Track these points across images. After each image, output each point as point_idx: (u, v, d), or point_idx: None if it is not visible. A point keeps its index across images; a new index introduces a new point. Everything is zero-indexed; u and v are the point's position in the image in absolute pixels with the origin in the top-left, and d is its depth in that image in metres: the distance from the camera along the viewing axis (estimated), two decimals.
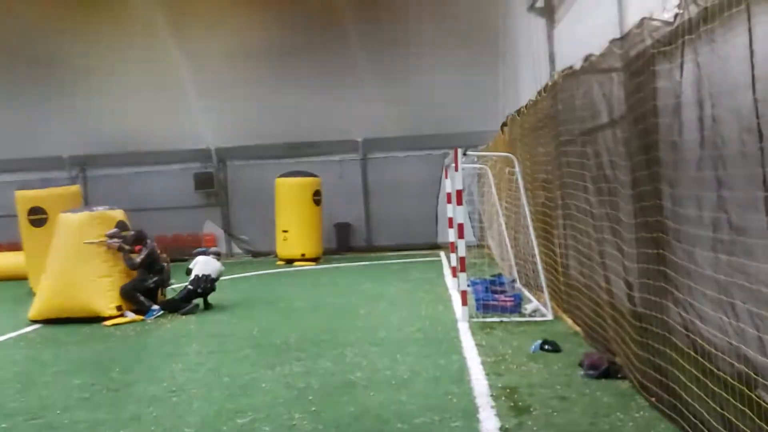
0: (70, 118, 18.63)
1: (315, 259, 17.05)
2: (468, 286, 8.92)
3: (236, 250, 19.80)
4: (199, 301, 10.70)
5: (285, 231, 16.95)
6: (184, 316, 10.21)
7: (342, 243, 19.20)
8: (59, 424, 5.58)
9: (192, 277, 10.67)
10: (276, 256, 17.43)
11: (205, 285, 10.65)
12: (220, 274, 10.99)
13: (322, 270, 15.75)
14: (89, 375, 7.15)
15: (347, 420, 5.25)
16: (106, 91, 18.47)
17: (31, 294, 12.30)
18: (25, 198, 13.63)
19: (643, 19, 4.70)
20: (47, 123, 18.74)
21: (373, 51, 18.22)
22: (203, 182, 19.54)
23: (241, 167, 19.72)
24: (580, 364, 6.13)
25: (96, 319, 9.94)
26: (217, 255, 11.38)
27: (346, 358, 7.17)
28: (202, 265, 10.79)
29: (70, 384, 6.82)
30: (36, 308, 10.35)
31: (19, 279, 14.41)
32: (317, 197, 17.26)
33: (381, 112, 18.43)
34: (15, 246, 15.71)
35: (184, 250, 18.92)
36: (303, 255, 16.85)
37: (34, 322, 10.24)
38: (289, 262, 16.88)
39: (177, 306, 10.44)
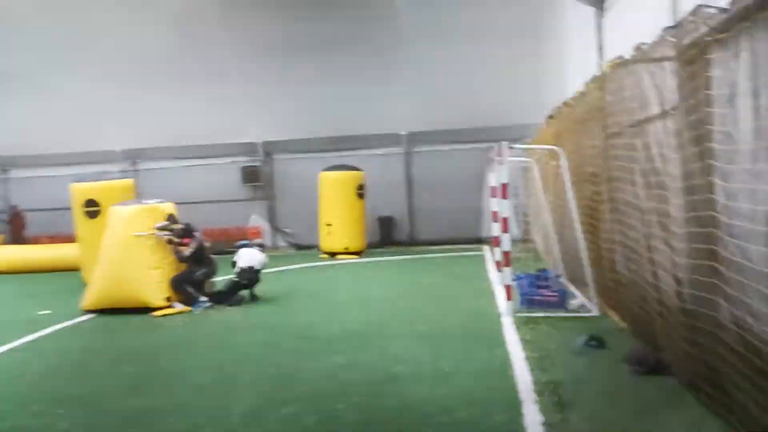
0: (122, 112, 19.09)
1: (358, 253, 17.12)
2: (512, 280, 8.84)
3: (281, 243, 20.03)
4: (246, 292, 10.87)
5: (329, 224, 17.07)
6: (230, 308, 10.39)
7: (385, 237, 19.22)
8: (112, 410, 5.75)
9: (237, 269, 10.86)
10: (319, 249, 17.56)
11: (250, 276, 10.82)
12: (264, 266, 11.15)
13: (365, 263, 15.82)
14: (140, 364, 7.34)
15: (390, 413, 5.28)
16: (156, 85, 18.86)
17: (84, 284, 12.68)
18: (80, 190, 14.02)
19: (697, 7, 4.57)
20: (101, 117, 19.23)
21: (417, 43, 18.15)
22: (250, 176, 19.82)
23: (287, 161, 19.92)
24: (627, 360, 6.02)
25: (146, 310, 10.19)
26: (261, 247, 11.54)
27: (389, 351, 7.20)
28: (247, 257, 10.97)
29: (122, 372, 7.02)
30: (89, 298, 10.67)
31: (74, 270, 14.82)
32: (361, 191, 17.32)
33: (425, 106, 18.36)
34: (69, 238, 16.19)
35: (231, 243, 19.29)
36: (346, 248, 16.94)
37: (87, 311, 10.55)
38: (333, 255, 16.99)
39: (224, 297, 10.64)
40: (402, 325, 8.50)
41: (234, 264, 10.98)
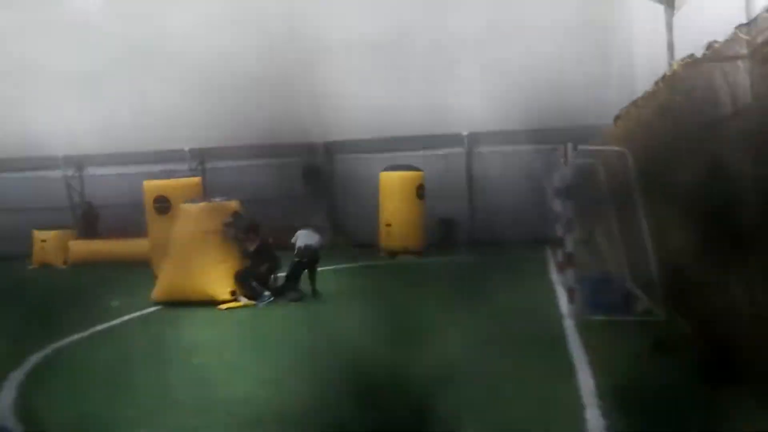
0: (191, 112, 19.62)
1: (417, 253, 17.12)
2: (575, 283, 8.68)
3: (341, 241, 20.20)
4: (307, 289, 11.05)
5: (388, 224, 17.13)
6: (292, 303, 10.59)
7: (445, 237, 19.14)
8: (177, 400, 5.95)
9: (296, 249, 11.12)
10: (379, 248, 17.64)
11: (309, 254, 11.06)
12: (321, 246, 11.41)
13: (424, 264, 15.81)
14: (205, 355, 7.57)
15: (448, 410, 5.27)
16: (222, 86, 19.33)
17: (153, 277, 13.13)
18: (151, 187, 14.55)
19: None
20: (170, 117, 19.83)
21: (478, 41, 18.01)
22: (311, 175, 20.09)
23: (348, 160, 20.11)
24: (695, 367, 5.83)
25: (212, 303, 10.49)
26: (317, 228, 11.80)
27: (450, 351, 7.17)
28: (304, 237, 11.24)
29: (188, 363, 7.25)
30: (158, 291, 11.07)
31: (144, 263, 15.34)
32: (421, 191, 17.30)
33: (487, 105, 18.19)
34: (140, 233, 16.78)
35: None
36: (406, 248, 16.96)
37: (156, 303, 10.94)
38: (392, 254, 17.04)
39: (287, 286, 10.92)
40: (463, 326, 8.46)
41: (293, 245, 11.23)
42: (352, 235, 19.98)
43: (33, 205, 20.99)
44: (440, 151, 19.19)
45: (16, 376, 6.90)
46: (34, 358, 7.64)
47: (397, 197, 17.07)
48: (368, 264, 15.94)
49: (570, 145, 8.74)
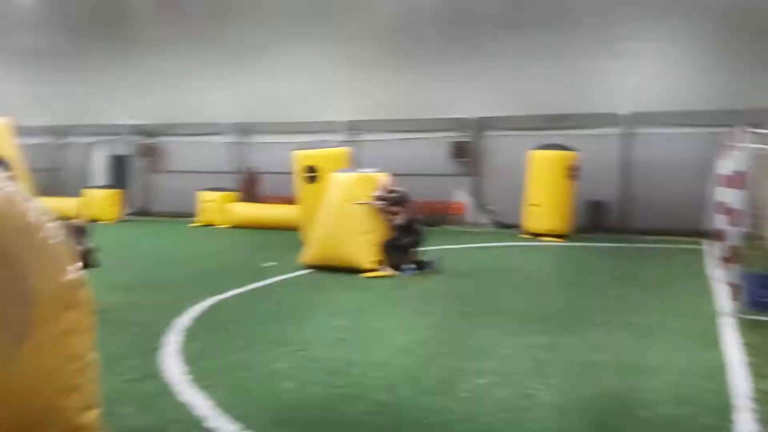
0: (346, 86, 20.21)
1: (563, 236, 16.59)
2: (739, 279, 8.04)
3: (484, 219, 20.03)
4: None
5: (535, 204, 16.72)
6: (433, 276, 10.72)
7: (593, 221, 18.36)
8: (321, 357, 6.26)
9: None
10: (522, 228, 17.28)
11: None
12: None
13: (569, 247, 15.31)
14: (347, 319, 7.89)
15: (587, 399, 5.14)
16: (377, 62, 19.70)
17: (301, 243, 13.81)
18: (301, 157, 15.22)
19: None
20: (328, 90, 20.54)
21: (644, 16, 16.87)
22: (459, 151, 20.01)
23: (496, 138, 19.77)
24: None
25: (356, 270, 10.87)
26: None
27: (592, 338, 6.98)
28: None
29: (331, 325, 7.60)
30: (306, 255, 11.64)
31: (292, 229, 16.16)
32: (572, 172, 16.68)
33: (649, 84, 17.10)
34: (293, 199, 17.63)
35: (435, 216, 19.71)
36: (551, 230, 16.50)
37: (305, 267, 11.51)
38: (536, 236, 16.64)
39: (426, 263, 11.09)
40: (608, 314, 8.17)
41: None
42: (496, 213, 19.75)
43: (202, 168, 22.76)
44: (593, 131, 18.33)
45: (183, 322, 7.60)
46: (198, 308, 8.37)
47: (546, 177, 16.59)
48: (510, 244, 15.70)
49: (743, 128, 8.02)
